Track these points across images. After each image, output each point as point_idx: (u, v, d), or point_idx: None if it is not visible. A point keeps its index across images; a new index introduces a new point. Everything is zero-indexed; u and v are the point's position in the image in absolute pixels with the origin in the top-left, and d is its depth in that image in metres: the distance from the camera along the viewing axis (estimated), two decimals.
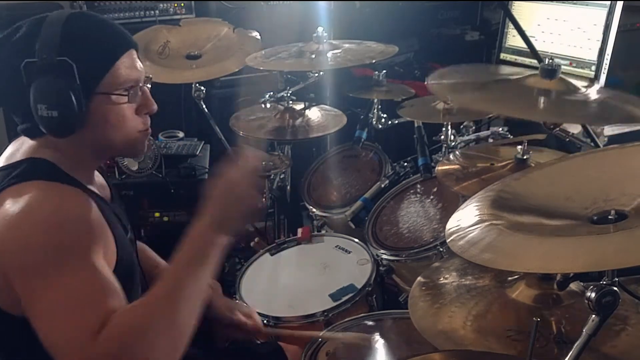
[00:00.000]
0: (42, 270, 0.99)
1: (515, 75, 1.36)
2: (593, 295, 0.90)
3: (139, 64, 1.20)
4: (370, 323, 1.56)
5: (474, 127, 2.09)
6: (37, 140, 1.17)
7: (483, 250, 0.94)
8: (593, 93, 1.28)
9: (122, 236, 1.21)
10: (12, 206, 1.04)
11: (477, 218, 1.04)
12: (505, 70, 1.68)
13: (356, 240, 1.95)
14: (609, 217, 0.94)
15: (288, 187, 2.40)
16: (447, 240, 1.03)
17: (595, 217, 0.96)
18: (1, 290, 1.05)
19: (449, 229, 1.06)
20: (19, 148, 1.20)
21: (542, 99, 1.24)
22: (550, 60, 1.27)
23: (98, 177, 1.32)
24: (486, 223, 1.01)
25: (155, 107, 1.23)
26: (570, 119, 1.49)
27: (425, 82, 1.36)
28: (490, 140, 2.02)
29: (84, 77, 1.10)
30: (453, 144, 1.98)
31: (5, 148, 1.26)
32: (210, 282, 1.21)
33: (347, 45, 2.18)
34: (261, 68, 2.11)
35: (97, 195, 1.22)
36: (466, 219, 1.06)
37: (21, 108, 1.13)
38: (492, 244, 0.94)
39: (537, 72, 1.28)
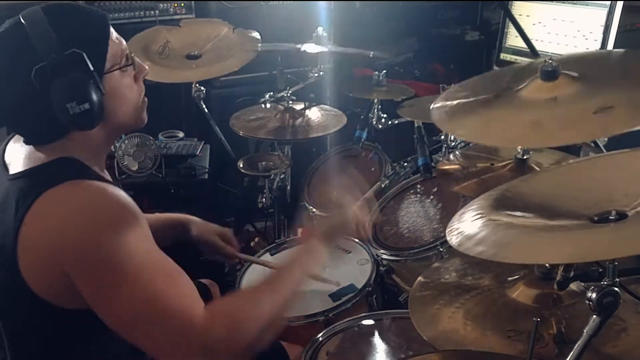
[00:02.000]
0: (121, 258, 1.04)
1: (516, 77, 1.34)
2: (594, 295, 0.90)
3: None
4: (370, 322, 1.56)
5: None
6: (51, 144, 1.15)
7: (477, 243, 0.96)
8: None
9: None
10: (65, 205, 1.05)
11: (477, 215, 1.04)
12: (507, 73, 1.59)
13: (356, 240, 1.95)
14: (610, 217, 0.94)
15: (288, 187, 2.40)
16: (448, 237, 1.04)
17: (596, 217, 0.96)
18: (55, 286, 1.06)
19: (450, 227, 1.06)
20: (32, 151, 1.16)
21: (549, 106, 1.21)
22: (549, 61, 1.22)
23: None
24: (484, 219, 1.02)
25: (147, 67, 1.26)
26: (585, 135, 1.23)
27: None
28: None
29: (93, 61, 1.11)
30: (453, 144, 1.98)
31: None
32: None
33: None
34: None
35: None
36: (467, 216, 1.06)
37: (34, 118, 1.12)
38: (485, 237, 0.96)
39: (537, 75, 1.26)
